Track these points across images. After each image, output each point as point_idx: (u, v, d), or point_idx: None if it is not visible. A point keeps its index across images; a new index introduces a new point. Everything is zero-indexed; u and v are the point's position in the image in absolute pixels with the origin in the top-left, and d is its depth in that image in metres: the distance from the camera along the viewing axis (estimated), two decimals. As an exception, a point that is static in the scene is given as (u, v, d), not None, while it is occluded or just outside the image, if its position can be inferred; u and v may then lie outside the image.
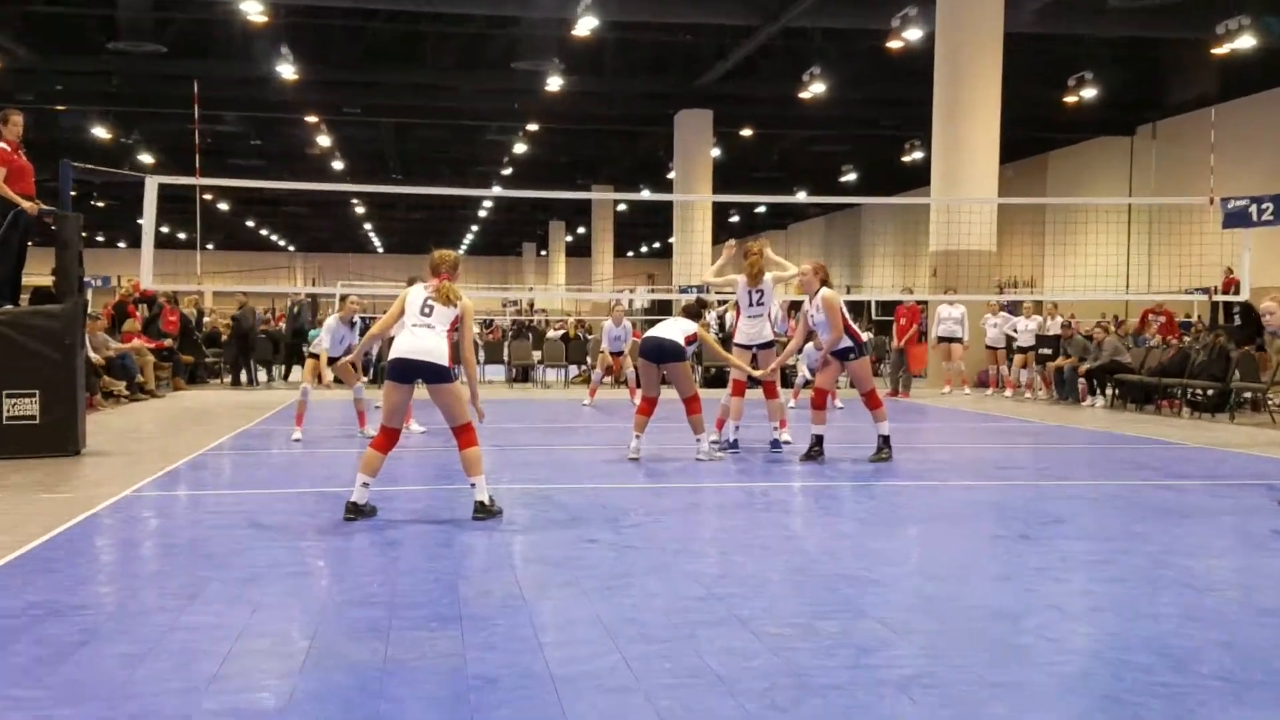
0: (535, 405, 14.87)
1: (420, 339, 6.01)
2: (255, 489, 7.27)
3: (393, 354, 6.07)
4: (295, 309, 19.26)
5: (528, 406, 14.57)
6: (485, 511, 6.08)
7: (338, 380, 10.95)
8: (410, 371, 6.01)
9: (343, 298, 10.34)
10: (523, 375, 19.63)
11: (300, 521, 6.07)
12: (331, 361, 10.01)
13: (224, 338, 19.23)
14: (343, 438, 10.38)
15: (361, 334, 9.84)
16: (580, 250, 50.03)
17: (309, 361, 10.40)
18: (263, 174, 32.41)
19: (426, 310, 6.10)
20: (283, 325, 25.22)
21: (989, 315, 17.09)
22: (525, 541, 5.65)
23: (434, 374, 5.99)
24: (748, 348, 9.14)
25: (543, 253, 55.49)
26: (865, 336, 9.10)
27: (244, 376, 17.99)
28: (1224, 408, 13.33)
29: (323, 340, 9.98)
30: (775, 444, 9.24)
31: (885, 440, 8.76)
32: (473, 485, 6.11)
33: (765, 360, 9.16)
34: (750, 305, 9.11)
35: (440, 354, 6.00)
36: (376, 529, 5.85)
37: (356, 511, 6.04)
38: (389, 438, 6.10)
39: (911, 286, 19.02)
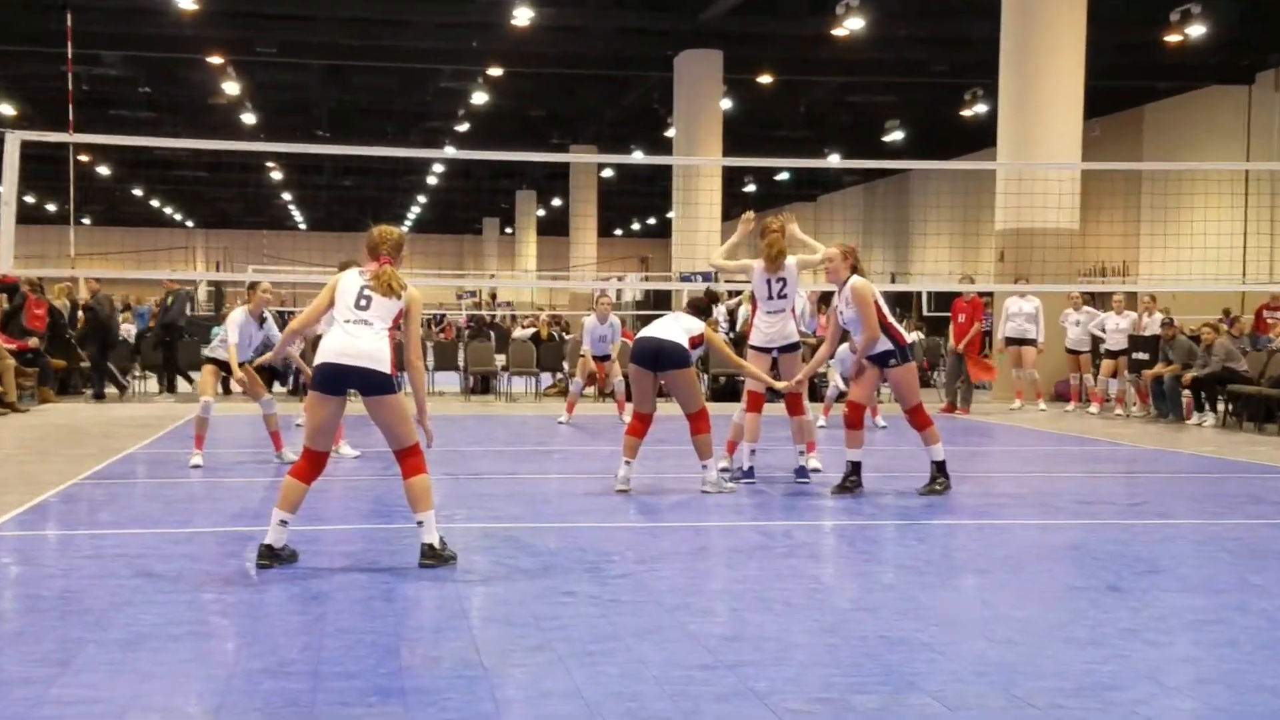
0: (498, 423, 14.88)
1: (354, 339, 6.03)
2: (143, 528, 7.26)
3: (319, 358, 6.09)
4: (170, 300, 19.03)
5: (489, 425, 14.59)
6: (435, 557, 6.11)
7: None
8: (341, 380, 6.03)
9: (251, 286, 10.31)
10: (482, 385, 19.65)
11: (200, 569, 6.07)
12: (240, 367, 10.01)
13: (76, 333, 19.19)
14: (254, 464, 10.38)
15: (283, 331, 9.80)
16: (556, 227, 50.06)
17: (207, 368, 10.41)
18: (154, 130, 32.37)
19: (362, 303, 6.12)
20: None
21: (1070, 311, 17.17)
22: (485, 595, 5.65)
23: (371, 383, 6.01)
24: (766, 351, 9.17)
25: (508, 230, 55.53)
26: (911, 337, 9.15)
27: (116, 384, 17.93)
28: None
29: (229, 337, 9.98)
30: (801, 472, 9.27)
31: (939, 467, 8.80)
32: (419, 524, 6.14)
33: (789, 367, 9.19)
34: (770, 297, 9.14)
35: (380, 358, 6.02)
36: (297, 578, 5.85)
37: (272, 557, 6.06)
38: (313, 463, 6.12)
39: (973, 274, 19.11)
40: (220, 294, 31.31)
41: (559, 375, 19.58)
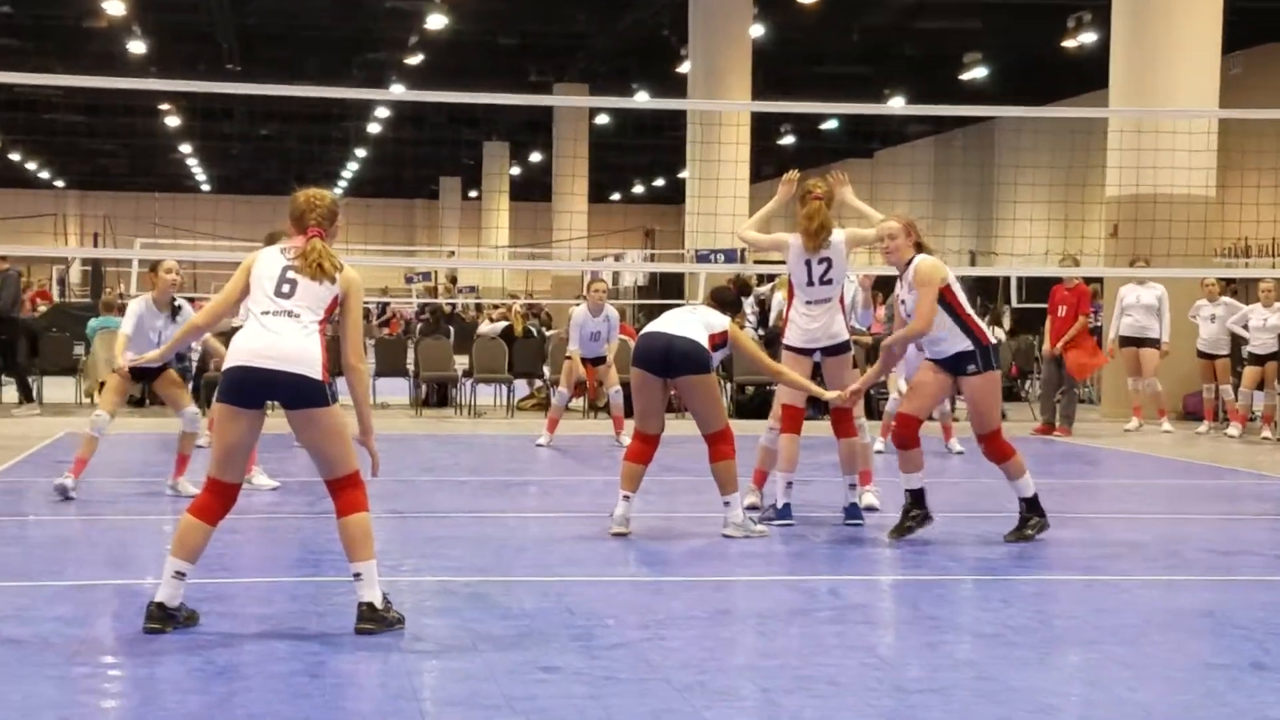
0: (459, 445, 14.88)
1: (275, 335, 6.03)
2: (1, 579, 7.27)
3: (230, 360, 6.10)
4: None
5: (447, 447, 14.60)
6: (376, 619, 6.10)
7: (152, 398, 10.88)
8: (259, 388, 6.04)
9: (153, 267, 10.36)
10: (438, 396, 19.66)
11: (73, 634, 6.06)
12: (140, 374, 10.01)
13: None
14: (143, 496, 10.38)
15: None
16: (534, 190, 50.06)
17: (111, 378, 10.30)
18: (15, 62, 32.38)
19: (285, 288, 6.13)
20: (42, 308, 25.25)
21: (1203, 303, 17.15)
22: (441, 670, 5.65)
23: (298, 393, 6.02)
24: (806, 353, 9.17)
25: (472, 194, 55.53)
26: (995, 336, 9.14)
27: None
28: None
29: (123, 326, 9.99)
30: (853, 511, 9.26)
31: (1030, 505, 8.78)
32: (356, 576, 6.13)
33: (836, 374, 9.18)
34: (810, 283, 9.13)
35: (309, 360, 6.03)
36: (197, 647, 5.85)
37: (165, 619, 6.05)
38: (220, 498, 6.11)
39: (1077, 255, 19.10)
40: (99, 274, 31.31)
41: (538, 383, 19.57)
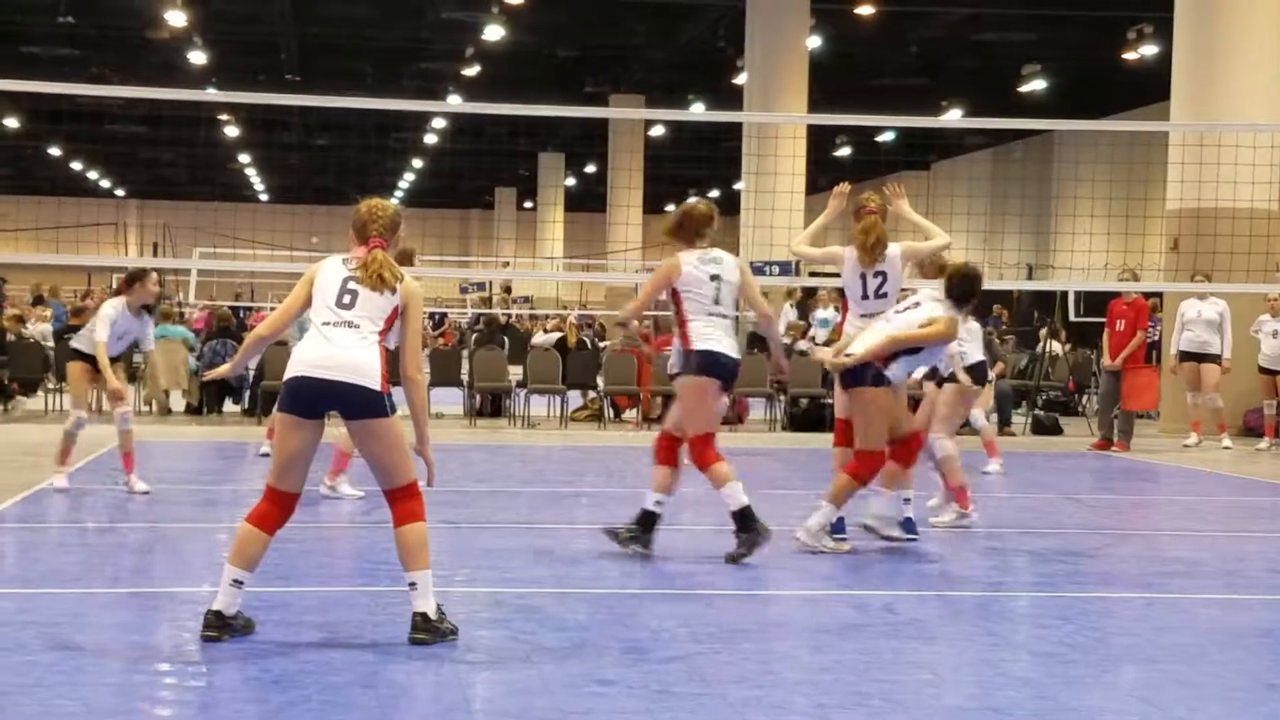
0: (513, 456, 14.90)
1: (336, 346, 6.06)
2: (58, 587, 7.33)
3: (290, 370, 6.12)
4: None
5: (500, 458, 14.62)
6: (429, 630, 6.11)
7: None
8: (318, 399, 6.06)
9: (136, 276, 10.65)
10: (492, 406, 19.71)
11: (131, 641, 6.12)
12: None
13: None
14: (199, 504, 10.45)
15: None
16: (589, 201, 50.13)
17: (76, 369, 10.74)
18: (77, 73, 32.76)
19: (346, 299, 6.15)
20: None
21: (1266, 318, 17.00)
22: (494, 681, 5.66)
23: (358, 403, 6.04)
24: None
25: (528, 205, 55.70)
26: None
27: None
28: None
29: (98, 334, 10.35)
30: (908, 526, 9.21)
31: (741, 520, 8.32)
32: (412, 585, 6.15)
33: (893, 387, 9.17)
34: (865, 297, 9.12)
35: (369, 370, 6.05)
36: (254, 655, 5.87)
37: (222, 626, 6.08)
38: (279, 507, 6.13)
39: (1136, 269, 18.96)
40: (159, 284, 31.53)
41: (591, 394, 19.59)
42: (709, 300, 8.36)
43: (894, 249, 9.14)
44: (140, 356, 18.81)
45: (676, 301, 8.38)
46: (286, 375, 6.12)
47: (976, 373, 10.26)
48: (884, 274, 9.09)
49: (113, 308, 10.49)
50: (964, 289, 8.84)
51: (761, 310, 8.74)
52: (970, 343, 10.21)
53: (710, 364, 8.24)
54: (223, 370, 7.22)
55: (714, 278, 8.38)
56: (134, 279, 10.68)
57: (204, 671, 5.66)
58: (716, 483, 8.29)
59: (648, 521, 8.46)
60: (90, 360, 10.58)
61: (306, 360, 6.06)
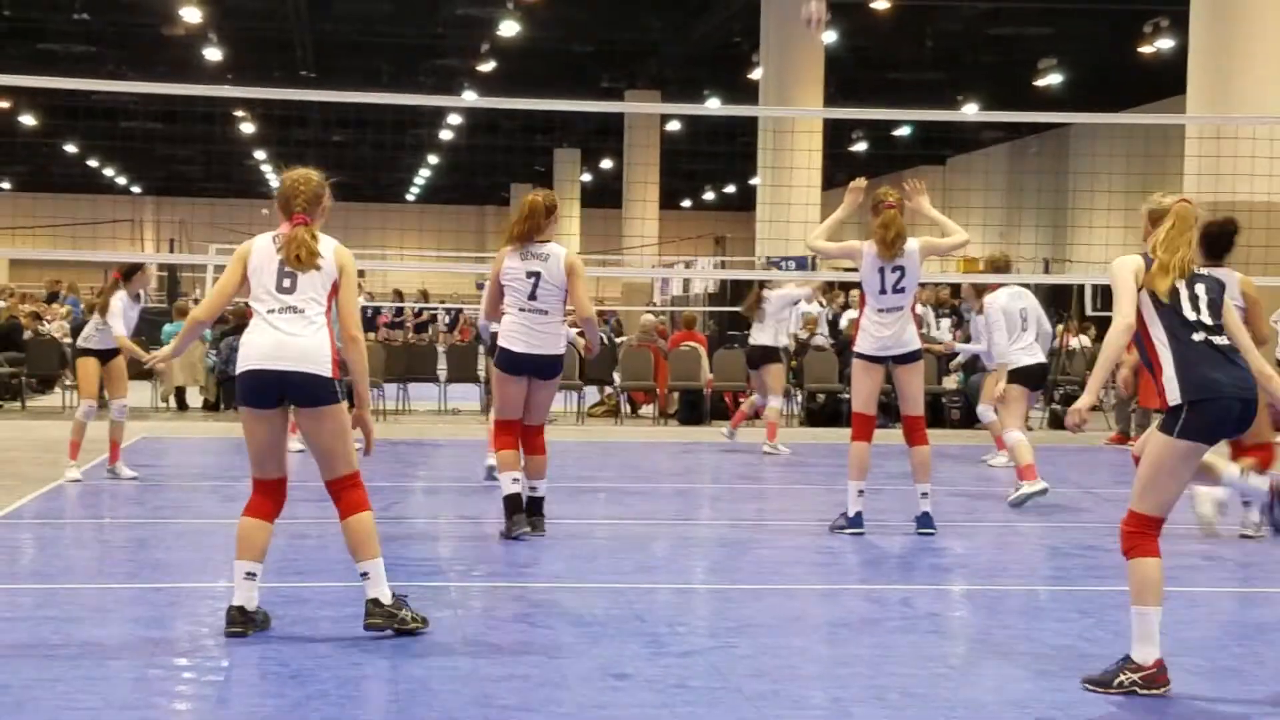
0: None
1: (286, 334, 6.01)
2: (77, 581, 7.38)
3: (242, 364, 6.08)
4: None
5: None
6: (383, 614, 6.04)
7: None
8: (273, 389, 6.02)
9: (135, 268, 11.38)
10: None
11: (147, 635, 6.14)
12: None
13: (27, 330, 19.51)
14: (216, 499, 10.49)
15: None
16: (605, 197, 50.07)
17: (87, 364, 11.17)
18: (93, 70, 32.83)
19: (286, 283, 6.07)
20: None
21: (1283, 311, 16.93)
22: (512, 675, 5.67)
23: (310, 391, 6.00)
24: (878, 360, 9.15)
25: (544, 200, 55.55)
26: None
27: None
28: None
29: (114, 328, 10.84)
30: (925, 520, 9.21)
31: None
32: (364, 575, 6.09)
33: (908, 381, 9.17)
34: (884, 290, 9.12)
35: (320, 357, 6.01)
36: (271, 650, 5.89)
37: (246, 621, 6.07)
38: (269, 494, 6.16)
39: (1153, 263, 18.84)
40: (175, 280, 31.65)
41: (608, 390, 19.60)
42: (524, 295, 8.60)
43: (913, 244, 9.16)
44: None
45: (502, 295, 8.66)
46: (239, 368, 6.10)
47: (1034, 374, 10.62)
48: (902, 268, 9.10)
49: (120, 300, 10.94)
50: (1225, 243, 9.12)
51: (581, 311, 8.83)
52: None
53: (502, 359, 8.63)
54: (163, 353, 7.34)
55: (531, 274, 8.59)
56: (132, 270, 11.34)
57: (222, 666, 5.69)
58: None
59: (513, 504, 8.64)
60: (100, 355, 11.10)
61: (258, 353, 6.03)
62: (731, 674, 5.70)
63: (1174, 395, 5.47)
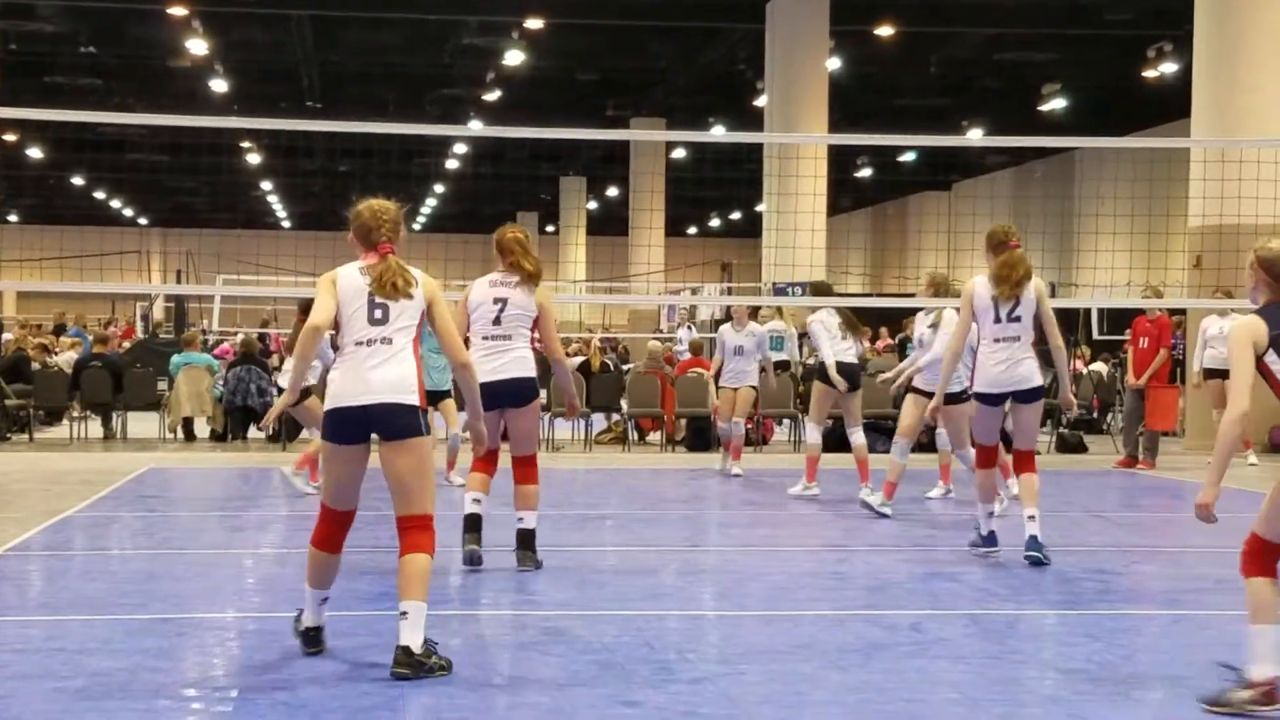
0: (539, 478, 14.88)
1: (375, 367, 6.02)
2: (87, 613, 7.38)
3: (331, 400, 6.08)
4: None
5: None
6: (412, 664, 5.88)
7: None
8: (360, 425, 6.04)
9: (308, 307, 10.73)
10: (516, 429, 19.72)
11: (157, 667, 6.14)
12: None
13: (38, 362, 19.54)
14: (226, 530, 10.48)
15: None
16: (611, 224, 50.14)
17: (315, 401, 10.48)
18: (100, 102, 32.95)
19: (378, 314, 6.09)
20: (126, 344, 25.65)
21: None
22: (523, 705, 5.67)
23: (398, 423, 6.02)
24: (996, 400, 9.03)
25: (550, 229, 55.73)
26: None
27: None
28: None
29: (325, 356, 9.96)
30: (1033, 544, 8.95)
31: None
32: (403, 615, 5.96)
33: (1028, 422, 9.08)
34: (999, 320, 8.92)
35: (409, 386, 6.05)
36: (281, 680, 5.89)
37: (317, 639, 6.29)
38: (339, 525, 6.20)
39: (1159, 286, 18.93)
40: (182, 311, 31.67)
41: (615, 417, 19.60)
42: (488, 322, 8.52)
43: (1035, 285, 8.96)
44: (164, 384, 18.95)
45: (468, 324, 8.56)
46: (328, 405, 6.11)
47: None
48: (1018, 298, 8.87)
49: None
50: None
51: (549, 350, 8.70)
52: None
53: None
54: (285, 398, 6.93)
55: (498, 300, 8.52)
56: (306, 308, 10.84)
57: (230, 696, 5.69)
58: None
59: (469, 523, 8.61)
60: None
61: (347, 390, 6.06)
62: (741, 701, 5.69)
63: None
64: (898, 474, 10.94)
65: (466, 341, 8.41)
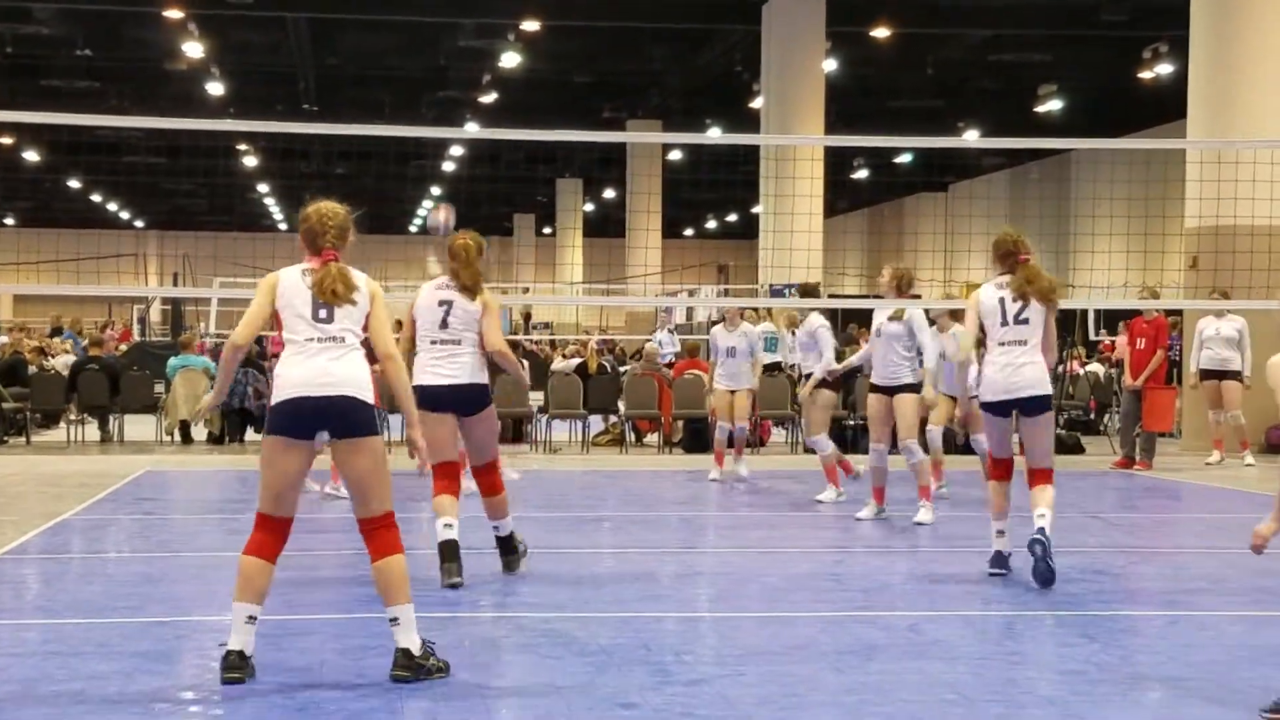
0: (535, 481, 14.88)
1: (326, 361, 5.95)
2: (82, 616, 7.37)
3: (279, 393, 5.97)
4: None
5: (522, 483, 14.60)
6: (412, 667, 5.88)
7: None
8: (313, 417, 5.91)
9: None
10: (514, 432, 19.71)
11: (153, 670, 6.13)
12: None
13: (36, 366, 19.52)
14: (223, 532, 10.48)
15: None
16: (608, 226, 50.21)
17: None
18: (96, 105, 32.94)
19: (324, 313, 6.01)
20: (123, 347, 25.64)
21: (1287, 334, 16.94)
22: (518, 706, 5.68)
23: (352, 420, 5.93)
24: (1003, 409, 8.63)
25: (546, 230, 55.79)
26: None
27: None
28: None
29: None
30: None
31: (504, 544, 8.61)
32: (394, 621, 5.94)
33: (1038, 434, 8.69)
34: (1006, 322, 8.55)
35: (362, 382, 5.97)
36: (278, 683, 5.88)
37: (245, 666, 5.84)
38: (276, 533, 5.98)
39: (1156, 287, 18.94)
40: (179, 313, 31.65)
41: (612, 419, 19.59)
42: (435, 325, 8.29)
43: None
44: (160, 387, 18.93)
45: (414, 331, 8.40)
46: (277, 397, 5.98)
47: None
48: (1028, 299, 8.49)
49: None
50: None
51: (490, 343, 8.30)
52: None
53: (420, 397, 7.73)
54: (209, 401, 7.04)
55: (443, 303, 8.29)
56: None
57: (227, 700, 5.68)
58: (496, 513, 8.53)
59: (445, 551, 8.18)
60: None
61: (299, 380, 5.93)
62: (739, 702, 5.68)
63: None
64: (925, 475, 10.89)
65: (415, 349, 8.33)
